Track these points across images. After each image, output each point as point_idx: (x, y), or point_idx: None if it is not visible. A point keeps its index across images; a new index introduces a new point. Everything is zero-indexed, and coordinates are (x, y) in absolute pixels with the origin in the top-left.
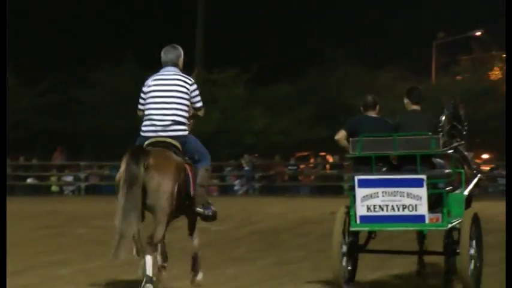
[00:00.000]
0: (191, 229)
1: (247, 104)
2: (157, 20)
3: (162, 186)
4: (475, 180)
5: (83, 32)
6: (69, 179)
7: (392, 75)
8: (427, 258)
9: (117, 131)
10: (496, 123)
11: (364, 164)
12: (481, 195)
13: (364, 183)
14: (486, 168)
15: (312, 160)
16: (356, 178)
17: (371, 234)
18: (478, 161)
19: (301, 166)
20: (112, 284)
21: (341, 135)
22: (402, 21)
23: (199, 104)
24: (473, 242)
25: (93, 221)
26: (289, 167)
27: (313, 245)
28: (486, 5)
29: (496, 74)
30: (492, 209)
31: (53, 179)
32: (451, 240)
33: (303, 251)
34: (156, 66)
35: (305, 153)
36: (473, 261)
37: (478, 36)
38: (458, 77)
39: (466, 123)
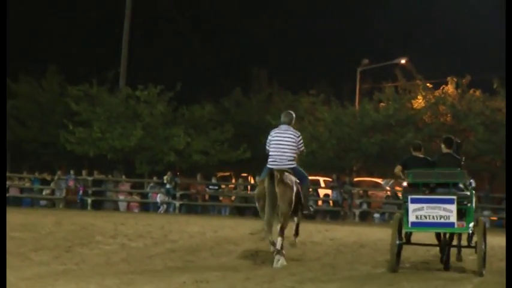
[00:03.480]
0: (296, 228)
1: (170, 122)
2: (81, 33)
3: (287, 195)
4: (474, 197)
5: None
6: None
7: (316, 99)
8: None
9: (39, 143)
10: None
11: (413, 188)
12: None
13: (414, 201)
14: None
15: (233, 180)
16: (409, 197)
17: (411, 234)
18: (398, 188)
19: (222, 186)
20: None
21: (398, 169)
22: (328, 46)
23: (302, 148)
24: (484, 240)
25: (10, 232)
26: (210, 187)
27: (231, 265)
28: (411, 35)
29: (419, 102)
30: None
31: None
32: (470, 239)
33: (220, 271)
34: (79, 80)
35: (226, 174)
36: (483, 251)
37: (402, 65)
38: (382, 104)
39: (463, 157)
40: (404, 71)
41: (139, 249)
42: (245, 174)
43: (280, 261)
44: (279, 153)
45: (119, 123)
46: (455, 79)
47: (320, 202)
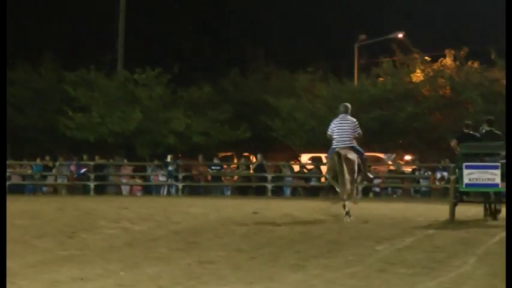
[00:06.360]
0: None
1: (168, 105)
2: (78, 19)
3: (351, 166)
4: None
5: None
6: None
7: (313, 76)
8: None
9: (38, 130)
10: (418, 125)
11: (467, 157)
12: (403, 196)
13: (468, 167)
14: (408, 169)
15: (235, 160)
16: (464, 164)
17: (464, 194)
18: (400, 162)
19: (224, 166)
20: (35, 281)
21: (454, 142)
22: (324, 23)
23: (359, 131)
24: None
25: (14, 220)
26: (213, 167)
27: (235, 245)
28: (408, 9)
29: (418, 76)
30: (415, 210)
31: None
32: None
33: (224, 251)
34: (76, 66)
35: (228, 154)
36: None
37: (399, 39)
38: (380, 79)
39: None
40: (401, 45)
41: (143, 233)
42: (247, 154)
43: (350, 218)
44: (341, 136)
45: (118, 107)
46: (453, 51)
47: (323, 179)
